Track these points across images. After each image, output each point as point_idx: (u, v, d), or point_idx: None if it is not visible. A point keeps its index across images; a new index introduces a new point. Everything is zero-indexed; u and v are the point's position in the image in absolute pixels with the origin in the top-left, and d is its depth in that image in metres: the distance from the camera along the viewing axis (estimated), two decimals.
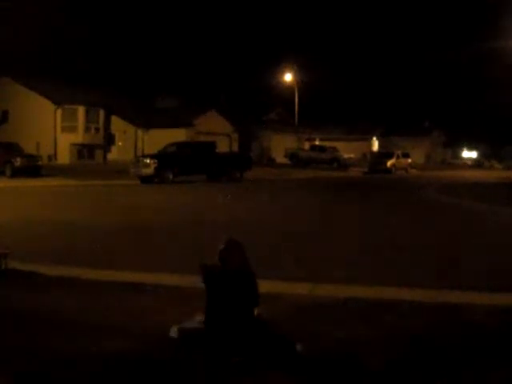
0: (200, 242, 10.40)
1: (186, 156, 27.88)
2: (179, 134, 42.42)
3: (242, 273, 4.82)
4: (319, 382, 4.25)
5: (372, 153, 58.39)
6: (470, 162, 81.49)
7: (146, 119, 46.09)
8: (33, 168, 29.70)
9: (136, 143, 45.96)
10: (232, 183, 27.41)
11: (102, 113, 43.77)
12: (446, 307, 6.08)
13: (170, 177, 27.05)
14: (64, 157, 41.51)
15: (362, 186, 29.62)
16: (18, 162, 29.22)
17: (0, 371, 4.31)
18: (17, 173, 28.60)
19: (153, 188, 24.71)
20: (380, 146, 68.29)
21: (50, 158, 39.90)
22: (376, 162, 46.91)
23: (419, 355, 4.74)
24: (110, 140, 45.45)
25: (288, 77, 58.25)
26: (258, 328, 4.72)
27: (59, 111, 42.19)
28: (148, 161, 27.40)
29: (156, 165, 26.73)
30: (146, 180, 26.82)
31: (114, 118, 45.33)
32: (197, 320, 5.04)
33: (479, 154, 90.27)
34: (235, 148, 51.41)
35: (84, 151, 43.37)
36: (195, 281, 7.13)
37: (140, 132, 46.07)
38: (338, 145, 55.53)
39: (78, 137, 42.52)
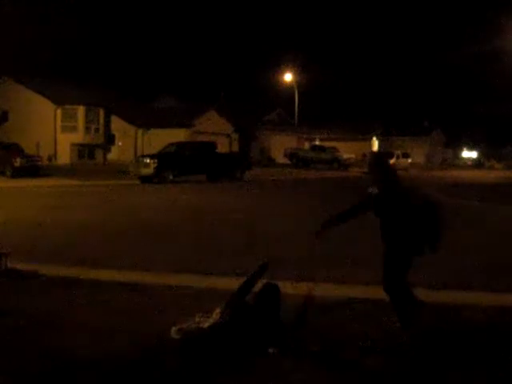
0: (199, 242, 10.42)
1: (186, 156, 27.86)
2: (179, 134, 42.43)
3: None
4: (319, 382, 4.25)
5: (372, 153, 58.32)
6: (470, 162, 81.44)
7: (145, 119, 46.06)
8: (33, 168, 29.68)
9: (136, 143, 45.95)
10: (232, 183, 27.38)
11: (102, 113, 43.74)
12: (446, 307, 6.08)
13: (170, 177, 27.04)
14: (64, 157, 41.48)
15: (363, 186, 29.53)
16: (17, 162, 29.19)
17: (0, 371, 4.31)
18: (17, 173, 28.57)
19: (152, 188, 24.67)
20: (380, 146, 68.26)
21: (50, 158, 39.85)
22: None
23: (419, 355, 4.75)
24: (110, 140, 45.41)
25: (288, 77, 58.24)
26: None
27: (59, 111, 42.17)
28: (148, 161, 27.40)
29: (156, 165, 26.73)
30: (145, 180, 26.81)
31: (114, 118, 45.30)
32: (197, 320, 5.03)
33: (479, 154, 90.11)
34: (235, 148, 51.38)
35: (84, 151, 43.34)
36: (195, 281, 7.15)
37: (140, 132, 46.05)
38: (338, 145, 55.43)
39: (78, 137, 42.49)
